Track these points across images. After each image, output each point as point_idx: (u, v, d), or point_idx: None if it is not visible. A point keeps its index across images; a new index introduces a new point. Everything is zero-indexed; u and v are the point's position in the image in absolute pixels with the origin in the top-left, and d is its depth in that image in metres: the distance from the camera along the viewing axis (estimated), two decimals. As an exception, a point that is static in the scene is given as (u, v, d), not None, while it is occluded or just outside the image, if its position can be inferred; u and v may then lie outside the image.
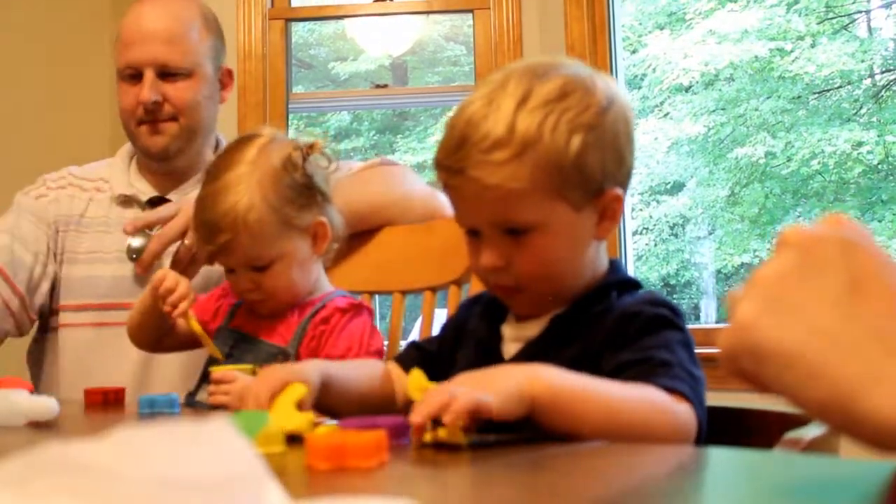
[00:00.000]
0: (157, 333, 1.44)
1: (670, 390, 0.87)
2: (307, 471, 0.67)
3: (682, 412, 0.86)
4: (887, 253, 0.50)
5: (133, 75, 1.68)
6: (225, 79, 1.78)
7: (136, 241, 1.65)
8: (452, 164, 0.96)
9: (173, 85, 1.68)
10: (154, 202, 1.73)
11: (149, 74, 1.67)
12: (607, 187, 0.97)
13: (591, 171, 0.95)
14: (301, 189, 1.33)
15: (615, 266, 1.04)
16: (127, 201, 1.75)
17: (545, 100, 0.94)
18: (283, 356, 1.32)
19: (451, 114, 1.01)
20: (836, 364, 0.45)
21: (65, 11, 3.09)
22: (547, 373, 0.83)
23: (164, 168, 1.75)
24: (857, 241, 0.50)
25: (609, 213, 0.99)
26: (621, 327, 0.94)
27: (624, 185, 1.00)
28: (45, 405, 1.15)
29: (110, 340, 1.66)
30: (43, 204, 1.77)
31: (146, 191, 1.76)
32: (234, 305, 1.42)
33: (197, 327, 1.34)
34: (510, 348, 1.02)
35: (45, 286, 1.73)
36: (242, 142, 1.36)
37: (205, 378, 1.35)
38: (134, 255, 1.65)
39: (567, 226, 0.96)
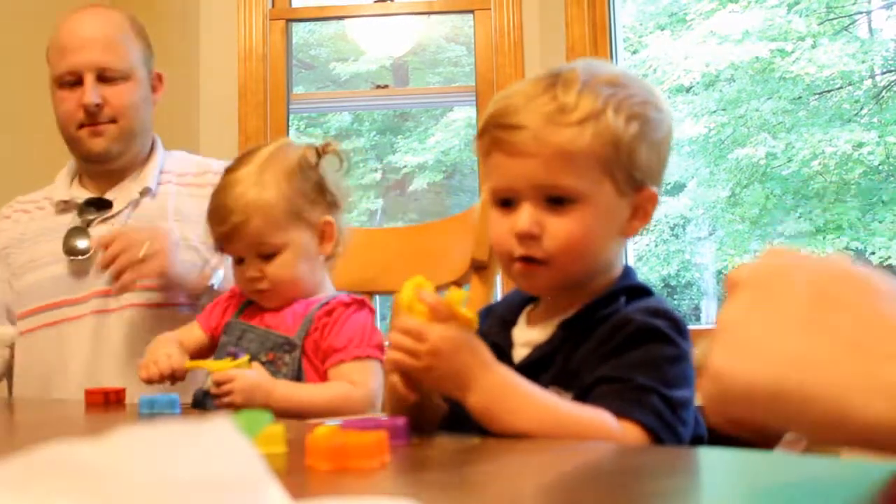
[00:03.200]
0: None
1: (632, 420, 0.87)
2: (308, 471, 0.67)
3: (628, 442, 0.86)
4: (835, 265, 0.49)
5: (73, 82, 1.75)
6: (156, 82, 1.86)
7: (82, 243, 1.71)
8: (512, 122, 0.96)
9: (112, 88, 1.76)
10: (92, 202, 1.80)
11: (89, 78, 1.74)
12: (648, 184, 0.99)
13: (639, 161, 0.97)
14: (313, 186, 1.39)
15: (627, 272, 1.04)
16: (66, 207, 1.83)
17: (608, 82, 0.97)
18: (289, 346, 1.35)
19: (499, 94, 1.02)
20: (822, 383, 0.43)
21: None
22: (488, 388, 0.87)
23: (102, 170, 1.80)
24: (804, 262, 0.49)
25: (641, 213, 1.00)
26: (611, 334, 0.94)
27: (660, 189, 1.02)
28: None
29: (57, 338, 1.73)
30: None
31: (83, 196, 1.83)
32: (243, 303, 1.44)
33: (196, 365, 1.36)
34: (520, 353, 1.02)
35: (15, 309, 1.81)
36: (259, 146, 1.44)
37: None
38: (82, 256, 1.73)
39: (607, 206, 0.97)
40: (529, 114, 0.96)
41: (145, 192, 1.80)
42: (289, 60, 3.10)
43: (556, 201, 0.96)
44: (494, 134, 0.98)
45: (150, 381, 1.36)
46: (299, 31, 5.69)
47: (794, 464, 0.69)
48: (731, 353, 0.46)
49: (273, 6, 3.09)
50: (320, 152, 1.40)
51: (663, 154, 1.01)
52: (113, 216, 1.78)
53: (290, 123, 3.10)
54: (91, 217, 1.77)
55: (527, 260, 0.98)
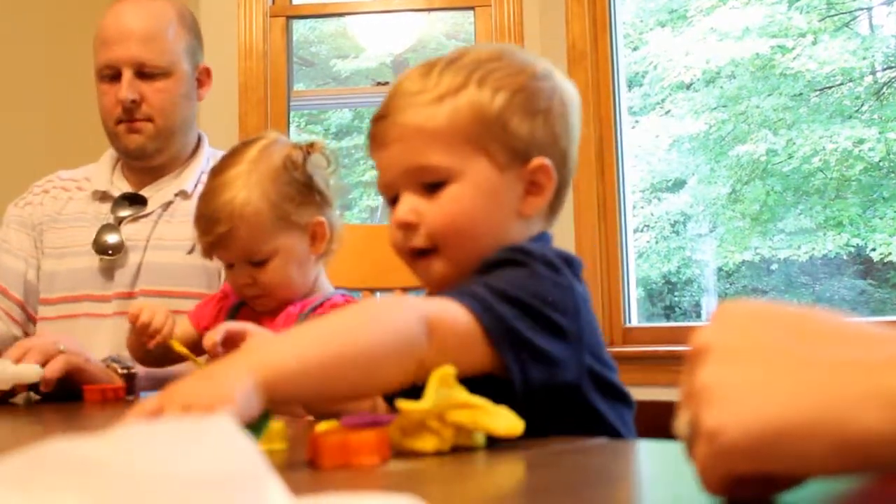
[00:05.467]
0: (150, 358, 1.44)
1: (455, 301, 0.82)
2: (309, 468, 0.67)
3: (434, 307, 0.80)
4: (791, 305, 0.49)
5: (112, 76, 1.72)
6: (202, 77, 1.82)
7: (112, 238, 1.70)
8: (379, 114, 0.96)
9: (151, 85, 1.72)
10: (127, 197, 1.78)
11: (127, 74, 1.71)
12: (535, 155, 0.95)
13: (516, 132, 0.93)
14: (300, 187, 1.35)
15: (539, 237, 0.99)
16: (104, 196, 1.80)
17: (476, 59, 0.95)
18: None
19: None
20: (819, 408, 0.42)
21: (65, 12, 3.09)
22: (266, 353, 0.74)
23: (142, 165, 1.78)
24: (761, 308, 0.49)
25: (536, 188, 0.95)
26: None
27: (558, 163, 0.96)
28: (30, 370, 1.22)
29: (80, 332, 1.69)
30: (28, 211, 1.84)
31: (123, 188, 1.80)
32: (235, 305, 1.43)
33: (181, 349, 1.35)
34: None
35: (40, 288, 1.80)
36: (246, 143, 1.41)
37: None
38: (110, 252, 1.71)
39: (486, 181, 0.93)
40: (392, 101, 0.95)
41: (181, 193, 1.78)
42: (289, 57, 3.10)
43: (432, 187, 0.93)
44: (369, 132, 0.98)
45: (133, 321, 1.34)
46: (299, 28, 5.69)
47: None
48: (720, 409, 0.44)
49: (273, 3, 3.08)
50: (306, 152, 1.37)
51: (554, 123, 0.96)
52: (145, 215, 1.76)
53: (290, 121, 3.10)
54: (124, 214, 1.75)
55: (418, 253, 0.96)
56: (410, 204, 0.94)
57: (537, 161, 0.94)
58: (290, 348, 0.74)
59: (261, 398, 0.69)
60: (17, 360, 1.38)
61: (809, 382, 0.43)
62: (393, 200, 0.97)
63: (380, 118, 0.96)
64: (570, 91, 1.00)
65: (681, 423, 0.49)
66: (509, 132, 0.93)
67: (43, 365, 1.38)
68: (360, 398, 0.75)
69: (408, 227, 0.94)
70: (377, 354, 0.75)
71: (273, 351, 0.75)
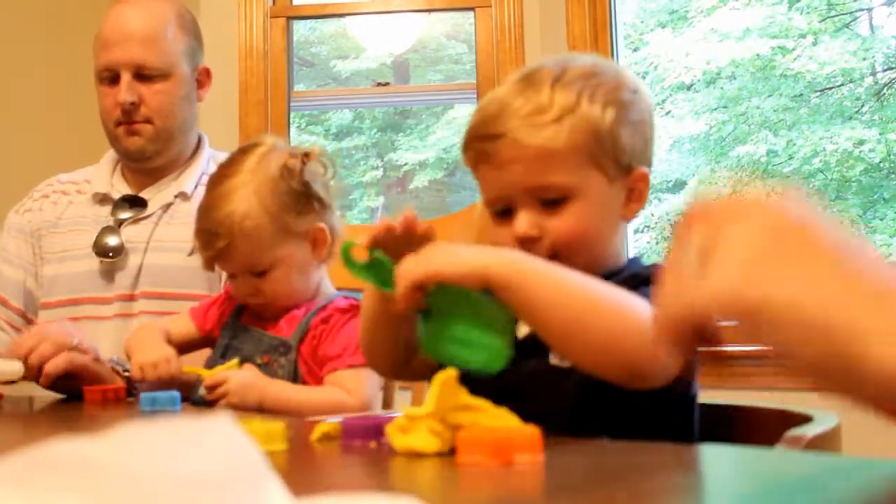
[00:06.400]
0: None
1: None
2: (310, 466, 0.67)
3: None
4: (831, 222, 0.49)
5: (111, 78, 1.72)
6: (202, 78, 1.82)
7: (113, 240, 1.70)
8: (490, 131, 0.98)
9: (150, 87, 1.72)
10: (127, 199, 1.77)
11: (125, 76, 1.71)
12: (635, 165, 1.00)
13: (623, 145, 0.98)
14: (298, 196, 1.35)
15: (633, 260, 1.07)
16: (104, 199, 1.80)
17: (580, 75, 0.99)
18: (283, 347, 1.33)
19: (478, 104, 1.04)
20: (846, 319, 0.43)
21: (65, 12, 3.09)
22: (516, 255, 0.87)
23: (142, 167, 1.78)
24: (814, 217, 0.50)
25: (636, 195, 1.02)
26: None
27: (650, 167, 1.03)
28: (11, 366, 1.30)
29: (82, 335, 1.68)
30: (28, 217, 1.84)
31: (123, 189, 1.80)
32: (238, 307, 1.43)
33: (191, 371, 1.35)
34: (524, 330, 1.02)
35: (40, 294, 1.80)
36: (244, 151, 1.39)
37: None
38: (111, 254, 1.71)
39: (601, 196, 0.98)
40: (506, 120, 0.97)
41: (181, 195, 1.77)
42: (289, 58, 3.10)
43: (551, 202, 0.97)
44: (476, 147, 1.00)
45: (142, 381, 1.36)
46: (300, 28, 5.68)
47: (797, 461, 0.69)
48: (745, 269, 0.45)
49: (274, 4, 3.09)
50: (303, 161, 1.36)
51: (646, 133, 1.02)
52: (145, 217, 1.76)
53: (290, 121, 3.10)
54: (124, 216, 1.75)
55: None
56: (530, 219, 0.98)
57: (639, 171, 1.01)
58: (547, 266, 0.86)
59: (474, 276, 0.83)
60: (31, 349, 1.39)
61: (849, 296, 0.44)
62: (500, 212, 1.00)
63: (493, 136, 0.98)
64: (650, 98, 1.05)
65: (685, 251, 0.49)
66: (618, 146, 0.98)
67: (51, 357, 1.39)
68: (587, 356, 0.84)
69: (530, 241, 0.98)
70: (631, 321, 0.82)
71: (526, 257, 0.87)
